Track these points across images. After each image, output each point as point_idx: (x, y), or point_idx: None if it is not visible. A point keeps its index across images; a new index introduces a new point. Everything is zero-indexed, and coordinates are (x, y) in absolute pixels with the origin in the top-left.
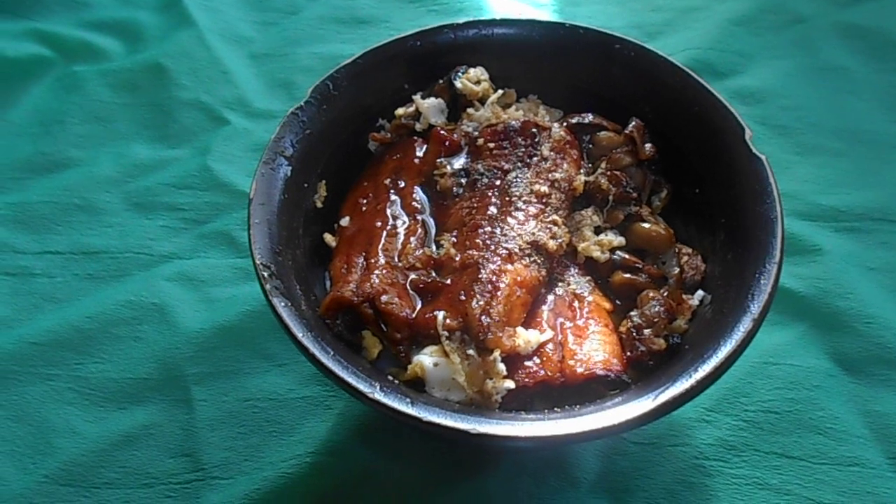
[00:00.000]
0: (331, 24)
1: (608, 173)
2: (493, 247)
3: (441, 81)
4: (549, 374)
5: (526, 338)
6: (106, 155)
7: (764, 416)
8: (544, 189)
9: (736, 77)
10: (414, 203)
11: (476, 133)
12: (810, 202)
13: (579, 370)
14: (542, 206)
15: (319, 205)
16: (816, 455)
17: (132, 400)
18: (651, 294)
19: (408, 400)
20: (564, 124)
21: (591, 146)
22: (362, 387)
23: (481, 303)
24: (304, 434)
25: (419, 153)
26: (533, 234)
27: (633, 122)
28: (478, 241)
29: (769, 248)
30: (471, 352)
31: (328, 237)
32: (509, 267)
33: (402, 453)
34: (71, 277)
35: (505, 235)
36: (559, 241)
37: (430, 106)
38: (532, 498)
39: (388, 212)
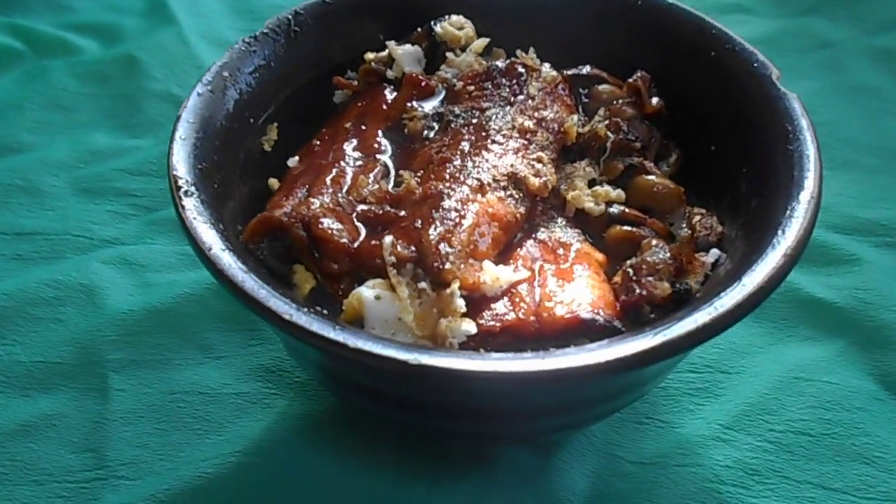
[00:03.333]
0: None
1: (607, 120)
2: (462, 179)
3: (420, 29)
4: (521, 317)
5: (493, 274)
6: (61, 142)
7: (794, 438)
8: (529, 124)
9: None
10: (375, 145)
11: (455, 80)
12: (845, 214)
13: (559, 312)
14: (526, 142)
15: (268, 148)
16: (863, 488)
17: (38, 387)
18: (655, 241)
19: (333, 325)
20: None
21: (587, 101)
22: (277, 307)
23: (440, 230)
24: (234, 433)
25: (388, 99)
26: (511, 165)
27: (639, 73)
28: (445, 174)
29: (802, 182)
30: (423, 285)
31: (273, 181)
32: (479, 197)
33: (349, 458)
34: None
35: (478, 168)
36: (543, 179)
37: (405, 53)
38: None
39: (344, 149)
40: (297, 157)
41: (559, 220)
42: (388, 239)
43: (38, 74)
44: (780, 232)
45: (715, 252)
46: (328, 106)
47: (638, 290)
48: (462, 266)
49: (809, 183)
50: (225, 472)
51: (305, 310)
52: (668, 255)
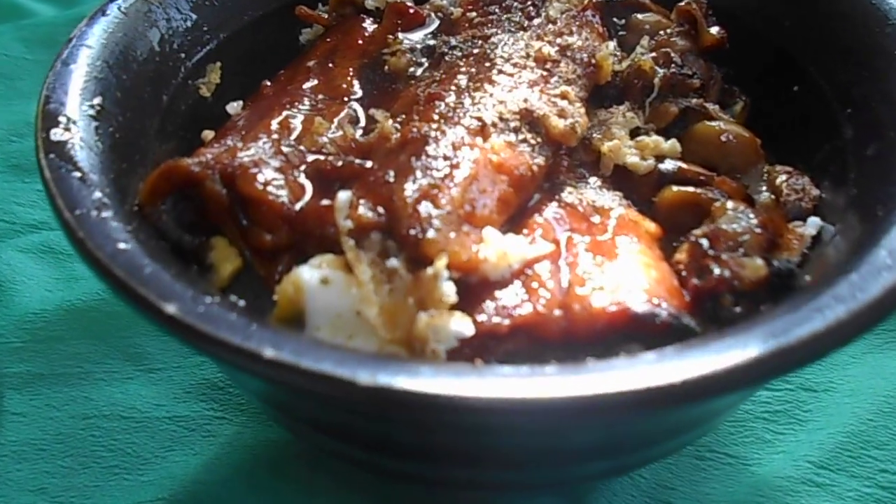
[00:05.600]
0: None
1: (653, 52)
2: (456, 119)
3: None
4: (542, 310)
5: (499, 247)
6: None
7: None
8: (549, 51)
9: None
10: (344, 85)
11: (452, 7)
12: None
13: (599, 303)
14: (545, 73)
15: (206, 94)
16: None
17: None
18: (731, 205)
19: (241, 323)
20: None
21: (624, 34)
22: (151, 295)
23: (422, 183)
24: (163, 472)
25: (366, 32)
26: (525, 100)
27: None
28: (433, 115)
29: None
30: (394, 263)
31: (208, 133)
32: (480, 142)
33: None
34: None
35: (478, 105)
36: (570, 121)
37: None
38: None
39: (303, 90)
40: (240, 102)
41: (592, 179)
42: (345, 195)
43: None
44: None
45: (815, 221)
46: (291, 47)
47: (718, 271)
48: (452, 235)
49: None
50: None
51: (208, 299)
52: (756, 221)
